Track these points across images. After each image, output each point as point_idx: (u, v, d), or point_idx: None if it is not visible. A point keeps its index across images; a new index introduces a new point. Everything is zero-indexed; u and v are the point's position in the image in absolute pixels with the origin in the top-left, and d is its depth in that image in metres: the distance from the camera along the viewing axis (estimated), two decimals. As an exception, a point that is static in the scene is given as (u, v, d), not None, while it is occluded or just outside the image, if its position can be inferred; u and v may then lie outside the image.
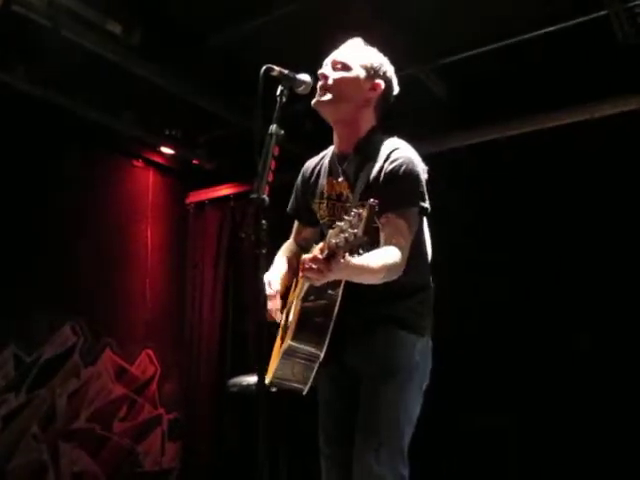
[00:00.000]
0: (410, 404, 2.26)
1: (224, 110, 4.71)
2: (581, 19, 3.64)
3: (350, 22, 3.63)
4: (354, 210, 1.70)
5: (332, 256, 1.78)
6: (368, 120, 2.35)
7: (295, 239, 2.66)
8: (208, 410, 5.51)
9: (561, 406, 4.02)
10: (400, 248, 2.09)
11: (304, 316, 2.16)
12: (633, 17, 3.63)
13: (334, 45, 2.42)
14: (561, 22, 3.67)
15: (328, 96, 2.28)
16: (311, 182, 2.49)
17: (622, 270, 3.91)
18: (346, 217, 1.72)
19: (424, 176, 2.24)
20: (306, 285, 2.18)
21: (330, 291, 2.12)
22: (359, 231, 1.67)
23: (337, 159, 2.38)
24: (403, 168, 2.19)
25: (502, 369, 4.15)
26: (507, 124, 4.36)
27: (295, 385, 2.30)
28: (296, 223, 2.67)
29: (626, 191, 3.92)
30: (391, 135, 2.36)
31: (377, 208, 1.69)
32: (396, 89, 2.41)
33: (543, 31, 3.74)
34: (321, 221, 2.44)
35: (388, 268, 2.04)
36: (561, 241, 4.09)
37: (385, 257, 2.02)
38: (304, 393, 2.31)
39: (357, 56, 2.33)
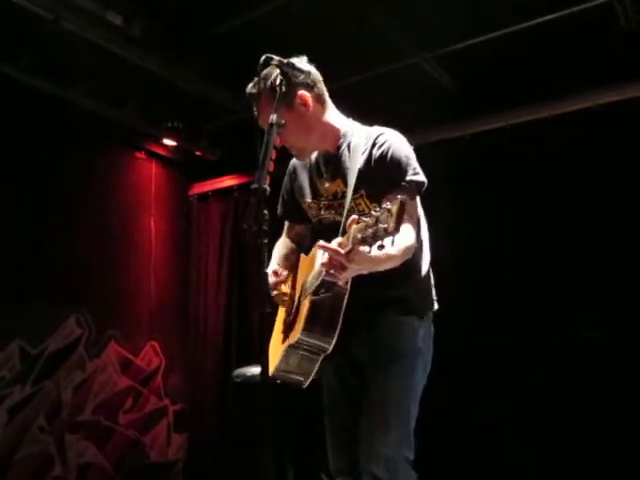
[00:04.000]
0: (415, 388, 2.28)
1: (226, 101, 4.69)
2: (584, 5, 3.61)
3: (352, 11, 3.64)
4: (383, 206, 1.69)
5: (356, 251, 1.79)
6: (332, 122, 2.36)
7: (288, 236, 2.70)
8: (213, 401, 5.51)
9: (566, 400, 4.02)
10: (411, 226, 2.10)
11: (314, 309, 2.16)
12: (636, 3, 3.61)
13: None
14: (565, 9, 3.65)
15: (296, 150, 2.37)
16: (299, 182, 2.51)
17: (625, 261, 3.89)
18: (373, 212, 1.72)
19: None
20: (313, 280, 2.18)
21: (340, 284, 2.10)
22: (390, 226, 1.66)
23: (323, 160, 2.40)
24: (392, 148, 2.20)
25: (505, 360, 4.15)
26: (511, 112, 4.33)
27: (296, 378, 2.31)
28: (287, 223, 2.71)
29: (630, 178, 3.90)
30: (369, 123, 2.38)
31: (407, 204, 1.68)
32: (317, 74, 2.33)
33: (547, 18, 3.72)
34: (314, 219, 2.46)
35: (406, 251, 2.07)
36: (566, 228, 4.07)
37: (402, 240, 2.00)
38: (304, 386, 2.33)
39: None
